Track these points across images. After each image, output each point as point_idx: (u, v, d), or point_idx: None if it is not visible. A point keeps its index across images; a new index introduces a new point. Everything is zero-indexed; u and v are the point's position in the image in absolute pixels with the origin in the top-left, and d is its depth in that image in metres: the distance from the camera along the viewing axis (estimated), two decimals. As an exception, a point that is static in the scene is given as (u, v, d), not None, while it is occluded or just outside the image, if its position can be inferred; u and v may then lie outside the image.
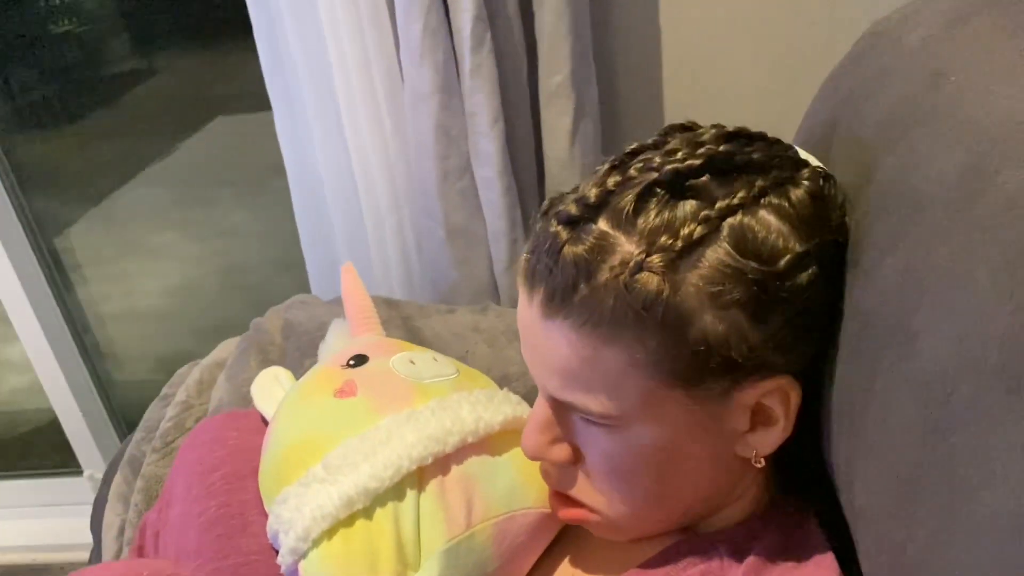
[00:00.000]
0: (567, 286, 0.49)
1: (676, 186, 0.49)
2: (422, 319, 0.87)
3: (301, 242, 1.10)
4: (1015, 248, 0.37)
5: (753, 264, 0.47)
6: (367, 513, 0.57)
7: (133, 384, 1.82)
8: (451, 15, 0.90)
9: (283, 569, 0.58)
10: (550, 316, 0.50)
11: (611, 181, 0.50)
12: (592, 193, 0.50)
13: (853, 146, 0.56)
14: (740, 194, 0.48)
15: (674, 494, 0.56)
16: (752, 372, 0.49)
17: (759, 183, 0.49)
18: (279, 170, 1.13)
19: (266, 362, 0.84)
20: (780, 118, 0.68)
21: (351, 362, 0.67)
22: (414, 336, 0.85)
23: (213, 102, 2.25)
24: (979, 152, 0.42)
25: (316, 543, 0.56)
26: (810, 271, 0.49)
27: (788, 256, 0.48)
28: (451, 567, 0.58)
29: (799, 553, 0.55)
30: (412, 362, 0.67)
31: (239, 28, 1.14)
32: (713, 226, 0.47)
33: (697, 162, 0.49)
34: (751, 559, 0.54)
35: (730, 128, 0.53)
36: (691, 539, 0.58)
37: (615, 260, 0.48)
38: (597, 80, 0.98)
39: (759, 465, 0.54)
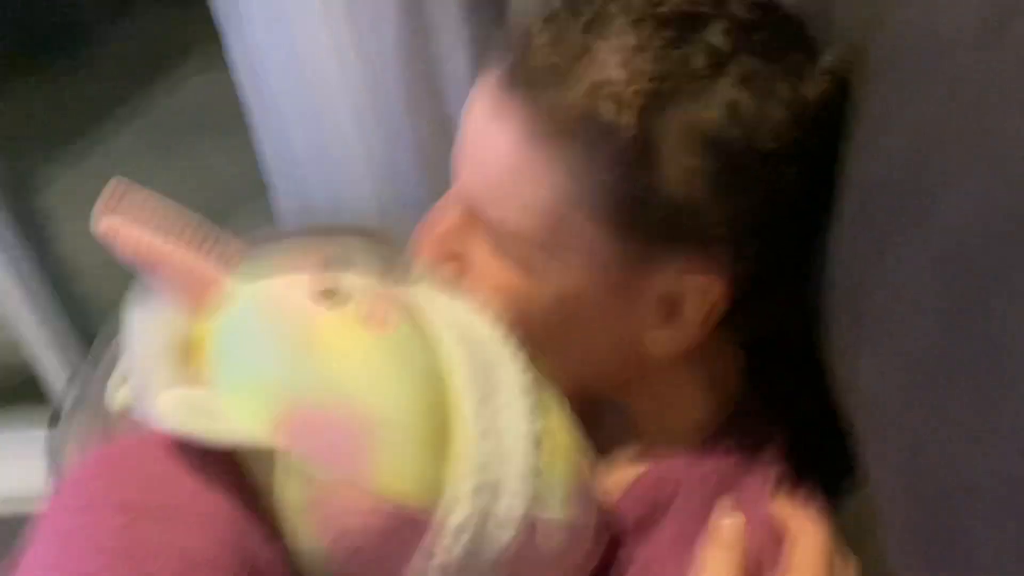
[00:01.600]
0: (537, 78, 0.44)
1: (687, 27, 0.44)
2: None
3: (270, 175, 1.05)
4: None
5: (738, 134, 0.43)
6: (544, 407, 0.49)
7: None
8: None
9: (511, 547, 0.45)
10: (503, 102, 0.46)
11: (612, 5, 0.45)
12: (584, 7, 0.45)
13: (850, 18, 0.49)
14: (756, 65, 0.43)
15: (560, 358, 0.51)
16: (687, 252, 0.45)
17: (778, 63, 0.44)
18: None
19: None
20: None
21: (326, 298, 0.47)
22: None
23: (184, 51, 2.19)
24: None
25: (537, 472, 0.46)
26: (794, 168, 0.45)
27: (778, 143, 0.43)
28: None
29: (756, 469, 0.52)
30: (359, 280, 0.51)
31: None
32: (711, 85, 0.43)
33: (710, 10, 0.44)
34: (712, 477, 0.52)
35: None
36: (655, 469, 0.54)
37: (596, 75, 0.43)
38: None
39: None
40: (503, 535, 0.45)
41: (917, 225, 0.37)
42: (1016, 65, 0.33)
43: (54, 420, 0.87)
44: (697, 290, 0.47)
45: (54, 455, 0.79)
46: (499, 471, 0.45)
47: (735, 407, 0.55)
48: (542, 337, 0.49)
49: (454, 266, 0.52)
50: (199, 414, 0.42)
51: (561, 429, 0.49)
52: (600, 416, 0.57)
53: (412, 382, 0.45)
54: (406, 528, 0.43)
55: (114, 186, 0.46)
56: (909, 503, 0.36)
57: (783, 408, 0.56)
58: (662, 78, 0.42)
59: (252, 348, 0.46)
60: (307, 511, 0.43)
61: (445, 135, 0.93)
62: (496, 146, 0.46)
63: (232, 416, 0.43)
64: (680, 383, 0.54)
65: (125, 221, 0.46)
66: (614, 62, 0.43)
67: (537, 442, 0.46)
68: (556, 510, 0.47)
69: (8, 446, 1.67)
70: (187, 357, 0.46)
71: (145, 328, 0.47)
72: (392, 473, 0.43)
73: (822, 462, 0.53)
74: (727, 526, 0.47)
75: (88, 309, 1.70)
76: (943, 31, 0.39)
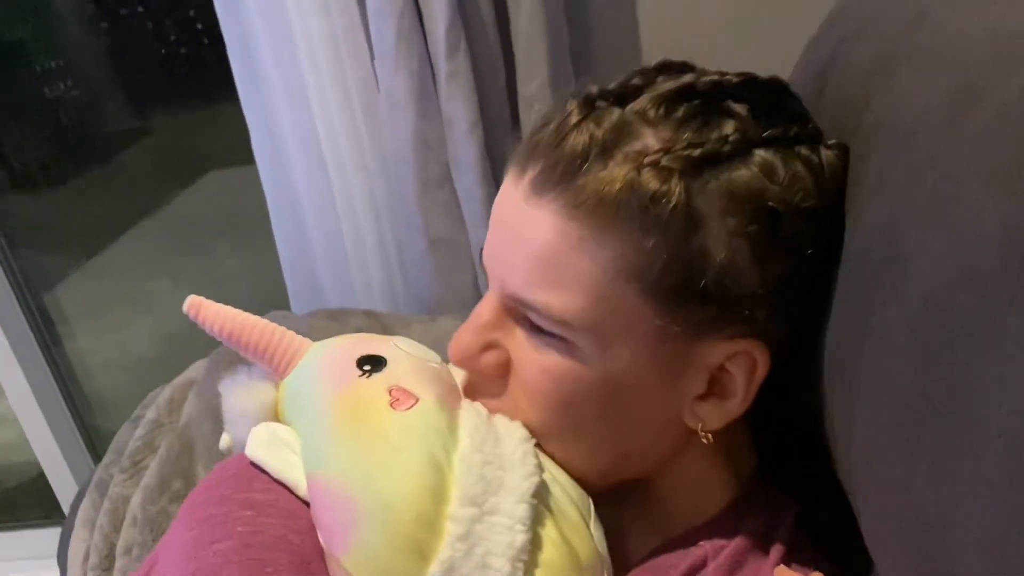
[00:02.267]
0: (571, 162, 0.45)
1: (713, 100, 0.46)
2: (402, 328, 0.84)
3: (280, 260, 1.08)
4: (1011, 149, 0.34)
5: (776, 191, 0.44)
6: (540, 520, 0.47)
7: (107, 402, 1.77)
8: (424, 21, 0.89)
9: None
10: (540, 194, 0.46)
11: (635, 80, 0.47)
12: (614, 86, 0.47)
13: (843, 93, 0.54)
14: (778, 131, 0.46)
15: (605, 443, 0.51)
16: (731, 319, 0.46)
17: (796, 130, 0.47)
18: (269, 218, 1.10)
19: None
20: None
21: (366, 368, 0.51)
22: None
23: (205, 157, 2.28)
24: (965, 75, 0.40)
25: None
26: (821, 232, 0.46)
27: (810, 200, 0.45)
28: (600, 528, 0.51)
29: (772, 544, 0.51)
30: (407, 350, 0.55)
31: (231, 86, 1.14)
32: (744, 149, 0.44)
33: (738, 80, 0.47)
34: (728, 551, 0.50)
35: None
36: (673, 542, 0.54)
37: (633, 147, 0.44)
38: (576, 83, 0.96)
39: (706, 440, 0.50)
40: None
41: (894, 288, 0.40)
42: (972, 147, 0.37)
43: (65, 523, 0.88)
44: (743, 357, 0.47)
45: (62, 552, 0.80)
46: None
47: (749, 482, 0.55)
48: (590, 417, 0.49)
49: (493, 354, 0.51)
50: (281, 450, 0.50)
51: (562, 545, 0.47)
52: (625, 491, 0.57)
53: (409, 478, 0.46)
54: None
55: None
56: (899, 546, 0.38)
57: (793, 483, 0.56)
58: (698, 145, 0.43)
59: (298, 407, 0.52)
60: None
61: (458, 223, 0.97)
62: (537, 230, 0.46)
63: (295, 461, 0.49)
64: (701, 460, 0.54)
65: (207, 303, 0.55)
66: (650, 133, 0.44)
67: (523, 555, 0.45)
68: None
69: (16, 544, 1.65)
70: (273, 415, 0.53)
71: (232, 401, 0.54)
72: (367, 564, 0.44)
73: (832, 535, 0.53)
74: None
75: (92, 407, 1.71)
76: (911, 118, 0.43)
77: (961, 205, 0.36)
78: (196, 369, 0.89)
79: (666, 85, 0.46)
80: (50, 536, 1.68)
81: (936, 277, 0.36)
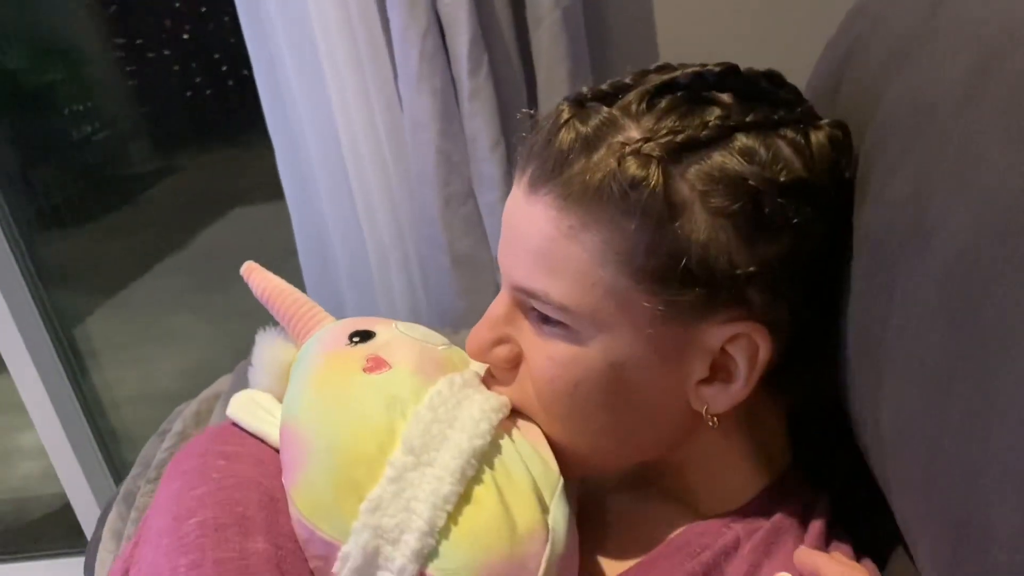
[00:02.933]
0: (560, 157, 0.47)
1: (695, 90, 0.48)
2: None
3: (304, 281, 1.09)
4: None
5: (756, 170, 0.45)
6: (479, 478, 0.49)
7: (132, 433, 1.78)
8: (447, 40, 0.91)
9: None
10: (535, 190, 0.48)
11: (628, 78, 0.49)
12: (606, 84, 0.49)
13: (859, 85, 0.56)
14: (759, 116, 0.47)
15: (611, 427, 0.52)
16: (726, 300, 0.47)
17: (781, 114, 0.48)
18: (294, 252, 1.12)
19: (267, 387, 0.80)
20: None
21: (355, 339, 0.56)
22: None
23: (230, 195, 2.32)
24: (981, 51, 0.41)
25: (444, 533, 0.48)
26: (811, 208, 0.47)
27: (793, 176, 0.46)
28: (565, 508, 0.52)
29: (806, 529, 0.52)
30: (405, 332, 0.59)
31: (255, 126, 1.17)
32: (724, 133, 0.46)
33: (720, 70, 0.48)
34: (760, 534, 0.51)
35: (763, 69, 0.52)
36: (701, 525, 0.54)
37: (617, 139, 0.46)
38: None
39: (712, 424, 0.51)
40: None
41: (920, 255, 0.40)
42: (991, 115, 0.38)
43: (92, 536, 0.88)
44: (742, 339, 0.48)
45: (89, 564, 0.81)
46: (398, 519, 0.47)
47: (782, 472, 0.56)
48: (595, 403, 0.50)
49: (505, 348, 0.53)
50: (255, 411, 0.57)
51: (498, 507, 0.49)
52: (649, 472, 0.58)
53: (357, 428, 0.50)
54: (319, 547, 0.49)
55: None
56: (932, 511, 0.38)
57: (826, 474, 0.56)
58: (679, 133, 0.45)
59: (295, 373, 0.57)
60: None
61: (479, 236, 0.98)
62: (533, 223, 0.48)
63: (277, 420, 0.55)
64: (729, 449, 0.55)
65: (260, 269, 0.64)
66: (633, 125, 0.47)
67: (447, 505, 0.47)
68: (456, 575, 0.47)
69: (41, 573, 1.65)
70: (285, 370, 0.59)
71: (261, 351, 0.61)
72: (309, 498, 0.49)
73: (865, 526, 0.53)
74: None
75: (119, 438, 1.73)
76: (930, 96, 0.44)
77: (983, 168, 0.37)
78: (222, 383, 0.90)
79: (651, 80, 0.48)
80: (75, 565, 1.68)
81: (961, 236, 0.37)
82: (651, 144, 0.45)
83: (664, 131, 0.46)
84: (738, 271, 0.46)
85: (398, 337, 0.57)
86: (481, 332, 0.54)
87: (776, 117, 0.48)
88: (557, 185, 0.47)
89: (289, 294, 0.62)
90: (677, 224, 0.45)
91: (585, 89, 0.50)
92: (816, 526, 0.52)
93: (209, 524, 0.48)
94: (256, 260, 0.66)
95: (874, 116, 0.50)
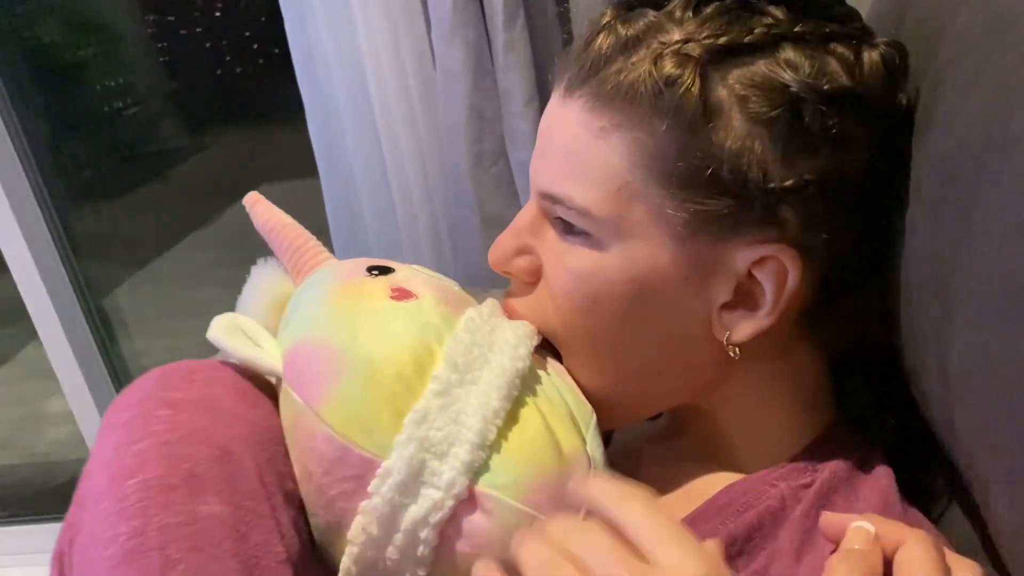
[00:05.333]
0: (598, 59, 0.46)
1: (746, 3, 0.45)
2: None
3: (332, 240, 1.08)
4: None
5: (798, 77, 0.43)
6: (522, 400, 0.48)
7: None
8: (482, -9, 0.89)
9: (445, 508, 0.45)
10: (571, 93, 0.47)
11: None
12: None
13: (926, 12, 0.52)
14: (809, 28, 0.44)
15: (629, 351, 0.50)
16: (758, 218, 0.44)
17: (834, 27, 0.45)
18: (320, 230, 1.12)
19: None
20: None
21: (374, 272, 0.54)
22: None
23: (258, 172, 2.33)
24: None
25: (496, 447, 0.46)
26: (856, 123, 0.44)
27: (838, 86, 0.43)
28: (600, 443, 0.51)
29: (863, 480, 0.48)
30: (416, 267, 0.58)
31: (284, 105, 1.16)
32: (770, 41, 0.44)
33: None
34: (813, 491, 0.47)
35: None
36: (743, 482, 0.51)
37: (656, 40, 0.45)
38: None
39: (733, 355, 0.48)
40: (433, 493, 0.45)
41: (1004, 172, 0.37)
42: None
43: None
44: (771, 263, 0.46)
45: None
46: (446, 432, 0.45)
47: (828, 425, 0.53)
48: (614, 319, 0.48)
49: (527, 258, 0.52)
50: (239, 335, 0.51)
51: (544, 428, 0.48)
52: (686, 422, 0.56)
53: (395, 343, 0.48)
54: (352, 466, 0.45)
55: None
56: (1014, 451, 0.35)
57: (875, 428, 0.53)
58: (721, 36, 0.44)
59: (303, 301, 0.53)
60: (289, 433, 0.48)
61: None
62: (566, 126, 0.47)
63: (265, 347, 0.51)
64: (768, 397, 0.52)
65: (265, 200, 0.60)
66: (676, 29, 0.45)
67: (497, 419, 0.46)
68: (506, 490, 0.45)
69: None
70: (281, 311, 0.54)
71: (256, 281, 0.58)
72: (345, 411, 0.46)
73: (920, 477, 0.51)
74: (857, 530, 0.41)
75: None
76: (1007, 13, 0.41)
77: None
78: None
79: None
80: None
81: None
82: (691, 44, 0.43)
83: (706, 34, 0.44)
84: (772, 184, 0.43)
85: (417, 274, 0.55)
86: (504, 240, 0.53)
87: (827, 30, 0.45)
88: (592, 86, 0.46)
89: (293, 227, 0.59)
90: (711, 127, 0.43)
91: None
92: (876, 485, 0.48)
93: (153, 485, 0.42)
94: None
95: (945, 38, 0.47)
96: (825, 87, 0.43)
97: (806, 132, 0.43)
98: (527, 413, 0.48)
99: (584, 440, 0.49)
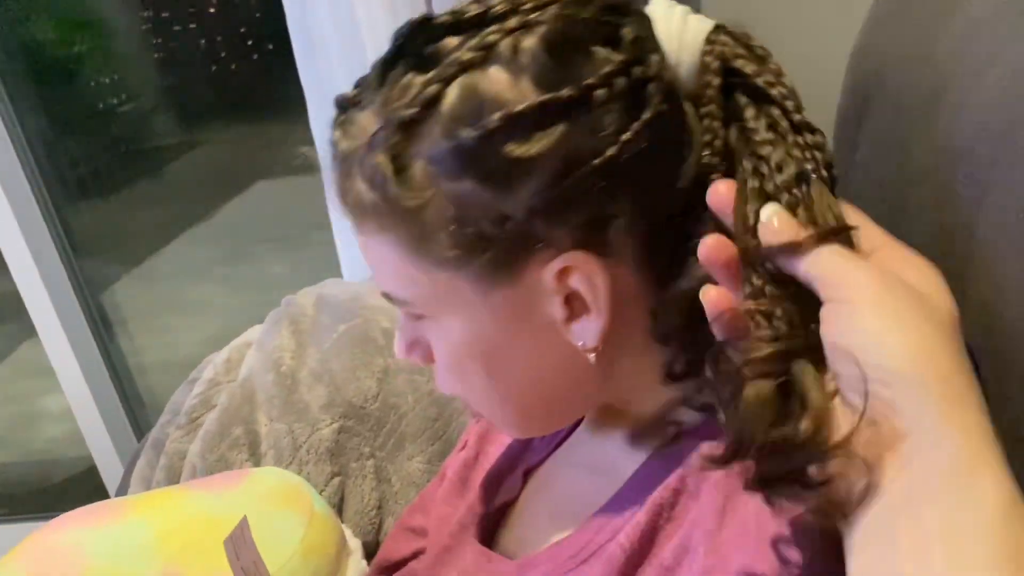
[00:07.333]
0: (337, 179, 0.47)
1: (418, 49, 0.43)
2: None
3: (333, 238, 1.08)
4: None
5: (466, 132, 0.41)
6: None
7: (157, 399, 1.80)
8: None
9: None
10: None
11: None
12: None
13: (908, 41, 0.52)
14: (467, 52, 0.42)
15: (521, 390, 0.50)
16: (526, 245, 0.43)
17: (491, 35, 0.42)
18: (319, 226, 1.11)
19: (298, 332, 0.79)
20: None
21: None
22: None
23: (254, 169, 2.33)
24: None
25: None
26: (551, 129, 0.41)
27: (502, 113, 0.41)
28: None
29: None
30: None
31: (279, 101, 1.16)
32: (436, 92, 0.41)
33: (443, 19, 0.43)
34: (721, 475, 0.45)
35: None
36: (656, 458, 0.50)
37: (360, 140, 0.44)
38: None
39: (592, 359, 0.47)
40: None
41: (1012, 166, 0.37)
42: None
43: (120, 483, 0.88)
44: (573, 272, 0.44)
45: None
46: None
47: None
48: (482, 375, 0.50)
49: (419, 348, 0.53)
50: None
51: None
52: (601, 420, 0.57)
53: None
54: None
55: None
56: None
57: None
58: (395, 119, 0.43)
59: None
60: None
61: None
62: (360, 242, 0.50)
63: None
64: (654, 370, 0.49)
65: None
66: (367, 128, 0.44)
67: None
68: None
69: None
70: None
71: None
72: None
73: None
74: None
75: (144, 403, 1.74)
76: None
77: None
78: (252, 332, 0.88)
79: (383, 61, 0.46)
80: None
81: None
82: (379, 135, 0.43)
83: (388, 113, 0.43)
84: (508, 220, 0.42)
85: None
86: (397, 339, 0.54)
87: (485, 40, 0.42)
88: (344, 205, 0.48)
89: None
90: (427, 206, 0.43)
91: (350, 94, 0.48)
92: None
93: None
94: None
95: (953, 23, 0.47)
96: (492, 124, 0.41)
97: (502, 164, 0.41)
98: None
99: None
